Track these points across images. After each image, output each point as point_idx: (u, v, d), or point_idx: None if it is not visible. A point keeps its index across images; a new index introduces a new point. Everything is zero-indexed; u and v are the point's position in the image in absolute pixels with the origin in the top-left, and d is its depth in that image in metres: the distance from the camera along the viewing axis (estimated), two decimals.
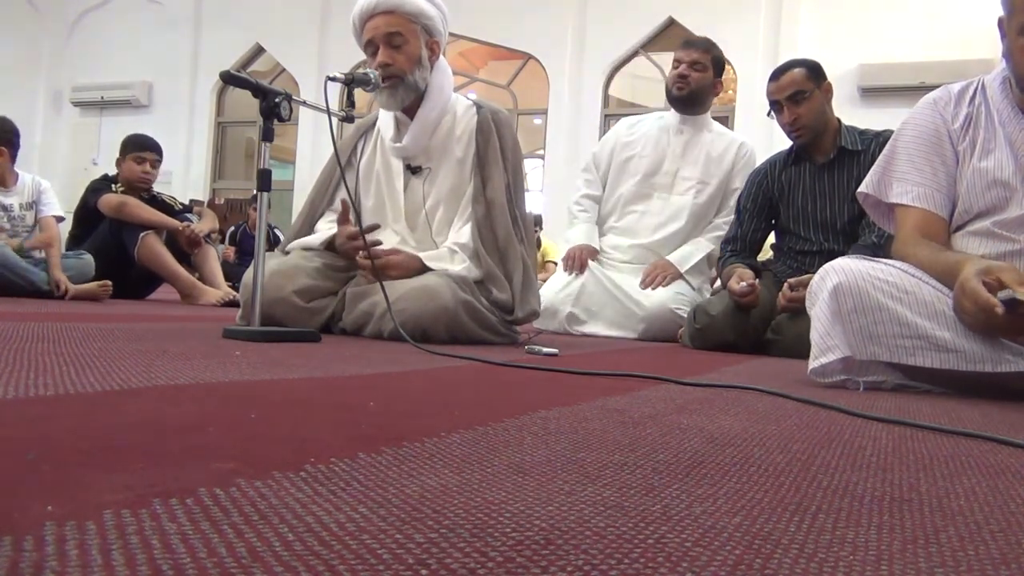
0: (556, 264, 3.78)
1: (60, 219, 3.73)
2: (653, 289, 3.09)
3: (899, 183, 1.63)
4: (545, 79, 9.93)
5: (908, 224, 1.60)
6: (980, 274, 1.33)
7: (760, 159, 2.98)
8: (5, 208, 3.54)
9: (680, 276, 3.13)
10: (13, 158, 3.66)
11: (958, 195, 1.59)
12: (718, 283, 3.76)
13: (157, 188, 4.21)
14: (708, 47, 3.26)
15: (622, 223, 3.31)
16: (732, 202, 3.17)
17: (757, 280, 2.55)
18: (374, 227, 2.09)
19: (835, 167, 2.63)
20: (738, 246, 2.83)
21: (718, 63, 3.27)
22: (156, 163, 4.04)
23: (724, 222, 3.20)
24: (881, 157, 1.70)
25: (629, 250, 3.24)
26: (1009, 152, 1.52)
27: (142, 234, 3.76)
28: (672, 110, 3.32)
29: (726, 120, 9.28)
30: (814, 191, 2.66)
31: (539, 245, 7.98)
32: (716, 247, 3.17)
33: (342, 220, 2.14)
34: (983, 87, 1.60)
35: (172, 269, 3.84)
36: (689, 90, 3.19)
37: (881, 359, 1.46)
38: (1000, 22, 1.52)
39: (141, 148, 4.02)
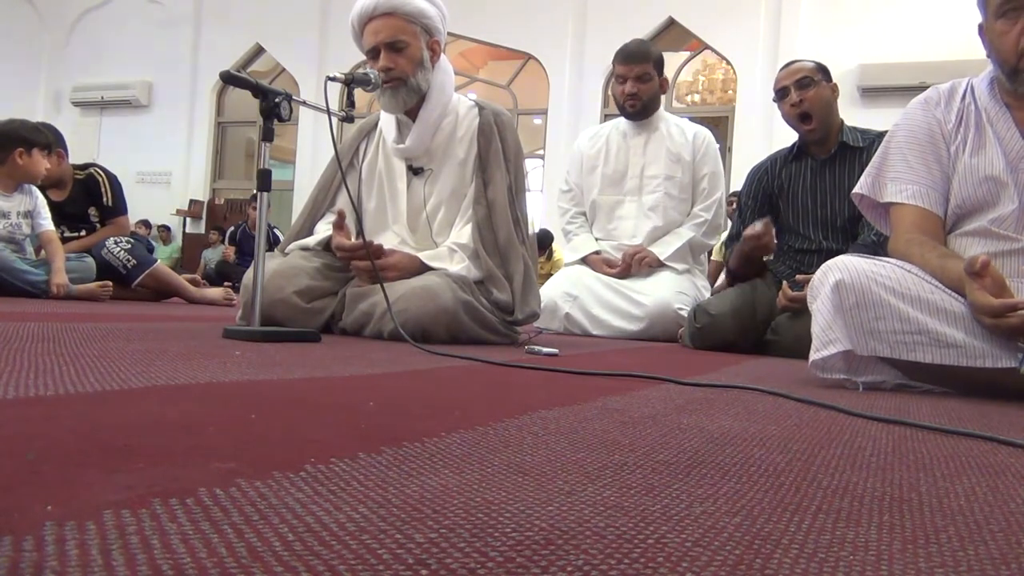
0: None
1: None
2: (633, 273, 3.17)
3: (893, 183, 1.64)
4: (545, 79, 9.93)
5: (905, 222, 1.61)
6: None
7: (757, 158, 2.98)
8: (4, 214, 3.53)
9: (660, 262, 3.20)
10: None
11: (951, 191, 1.60)
12: (719, 282, 3.75)
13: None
14: (647, 55, 3.30)
15: (604, 232, 3.40)
16: (705, 186, 3.28)
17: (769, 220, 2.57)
18: (378, 247, 2.09)
19: (836, 163, 2.63)
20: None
21: (659, 63, 3.31)
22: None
23: (702, 209, 3.27)
24: (874, 159, 1.71)
25: (618, 255, 3.29)
26: (999, 149, 1.53)
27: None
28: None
29: (726, 120, 9.29)
30: (815, 188, 2.66)
31: (550, 256, 8.02)
32: (697, 234, 3.25)
33: (338, 226, 2.13)
34: (972, 88, 1.61)
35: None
36: (642, 104, 3.28)
37: (882, 355, 1.46)
38: (980, 28, 1.53)
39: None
